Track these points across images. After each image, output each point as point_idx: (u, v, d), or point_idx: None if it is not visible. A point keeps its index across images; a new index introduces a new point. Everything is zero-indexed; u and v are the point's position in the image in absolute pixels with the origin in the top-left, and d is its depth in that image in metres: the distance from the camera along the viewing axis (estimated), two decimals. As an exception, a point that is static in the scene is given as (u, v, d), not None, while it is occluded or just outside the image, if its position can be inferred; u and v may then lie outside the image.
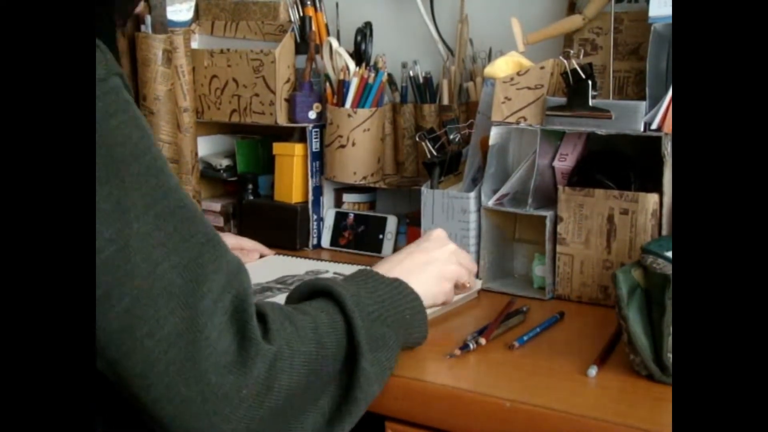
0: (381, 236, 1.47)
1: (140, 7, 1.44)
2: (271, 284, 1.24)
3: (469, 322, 1.09)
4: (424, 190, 1.28)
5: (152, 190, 0.73)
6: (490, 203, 1.23)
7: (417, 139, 1.37)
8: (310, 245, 1.51)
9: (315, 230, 1.51)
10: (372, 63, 1.48)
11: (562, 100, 1.16)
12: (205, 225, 0.77)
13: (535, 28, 1.31)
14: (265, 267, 1.33)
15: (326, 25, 1.55)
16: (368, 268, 0.98)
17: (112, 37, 0.86)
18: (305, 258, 1.41)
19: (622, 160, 1.17)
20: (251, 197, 1.57)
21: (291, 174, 1.51)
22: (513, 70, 1.22)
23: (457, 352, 0.97)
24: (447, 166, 1.31)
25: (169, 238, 0.74)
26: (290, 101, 1.50)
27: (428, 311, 1.00)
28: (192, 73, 1.55)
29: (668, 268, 0.90)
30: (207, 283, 0.74)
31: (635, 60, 1.27)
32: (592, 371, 0.91)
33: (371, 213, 1.52)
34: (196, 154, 1.56)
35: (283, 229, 1.50)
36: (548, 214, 1.18)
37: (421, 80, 1.47)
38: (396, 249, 1.38)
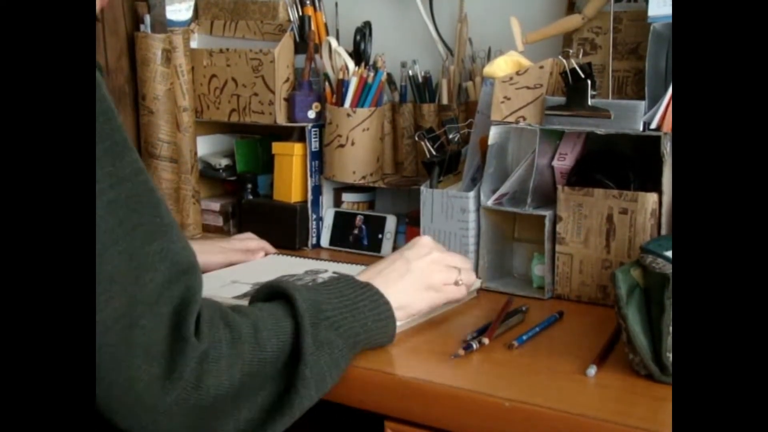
0: (380, 236, 1.47)
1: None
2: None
3: (469, 321, 1.09)
4: (424, 189, 1.28)
5: (106, 177, 0.73)
6: (490, 203, 1.23)
7: (416, 138, 1.37)
8: (310, 245, 1.51)
9: (314, 230, 1.51)
10: (371, 62, 1.48)
11: (561, 99, 1.16)
12: (161, 215, 0.78)
13: (535, 27, 1.31)
14: (265, 266, 1.33)
15: (325, 25, 1.55)
16: (347, 274, 0.99)
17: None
18: (304, 258, 1.41)
19: (621, 159, 1.17)
20: (250, 197, 1.57)
21: (290, 173, 1.50)
22: (512, 69, 1.22)
23: (461, 352, 0.97)
24: (446, 165, 1.31)
25: (120, 224, 0.74)
26: (289, 101, 1.50)
27: (408, 320, 1.02)
28: (191, 72, 1.55)
29: (667, 268, 0.90)
30: (150, 273, 0.75)
31: (634, 59, 1.27)
32: (592, 371, 0.91)
33: (370, 212, 1.52)
34: (196, 153, 1.56)
35: (283, 229, 1.50)
36: (547, 213, 1.18)
37: (420, 80, 1.47)
38: (395, 248, 1.38)
